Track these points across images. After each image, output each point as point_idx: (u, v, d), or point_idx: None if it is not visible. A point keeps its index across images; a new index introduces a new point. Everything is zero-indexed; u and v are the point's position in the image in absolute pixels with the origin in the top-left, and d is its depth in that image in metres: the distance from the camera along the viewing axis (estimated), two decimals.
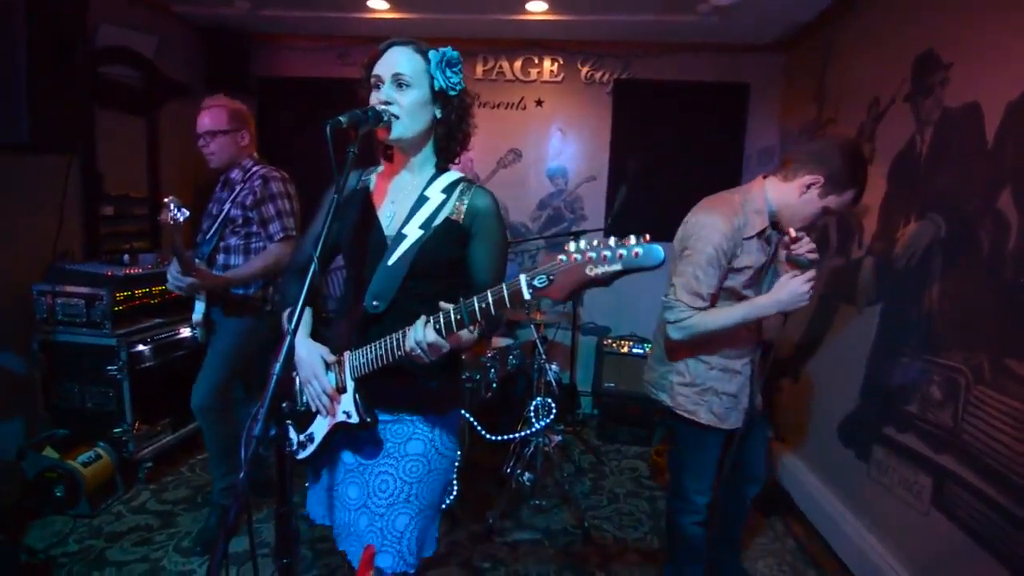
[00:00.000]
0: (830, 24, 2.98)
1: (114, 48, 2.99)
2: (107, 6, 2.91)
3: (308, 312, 1.35)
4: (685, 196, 3.88)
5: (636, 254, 0.80)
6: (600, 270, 0.81)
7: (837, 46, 2.92)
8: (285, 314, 1.34)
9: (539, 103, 3.84)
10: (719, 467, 1.83)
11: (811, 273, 1.57)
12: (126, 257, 2.90)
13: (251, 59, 3.79)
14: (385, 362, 1.15)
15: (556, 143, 3.89)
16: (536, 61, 3.79)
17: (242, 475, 0.86)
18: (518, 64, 3.80)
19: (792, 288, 1.56)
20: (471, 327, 1.03)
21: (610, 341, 3.71)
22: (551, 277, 0.84)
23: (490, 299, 0.96)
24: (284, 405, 1.02)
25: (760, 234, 1.67)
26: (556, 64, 3.79)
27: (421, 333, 1.03)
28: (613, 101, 3.78)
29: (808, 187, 1.61)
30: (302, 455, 1.31)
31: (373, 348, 1.17)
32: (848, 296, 2.58)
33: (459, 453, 1.39)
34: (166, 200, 1.86)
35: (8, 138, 2.19)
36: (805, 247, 1.58)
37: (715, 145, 3.72)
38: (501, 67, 3.81)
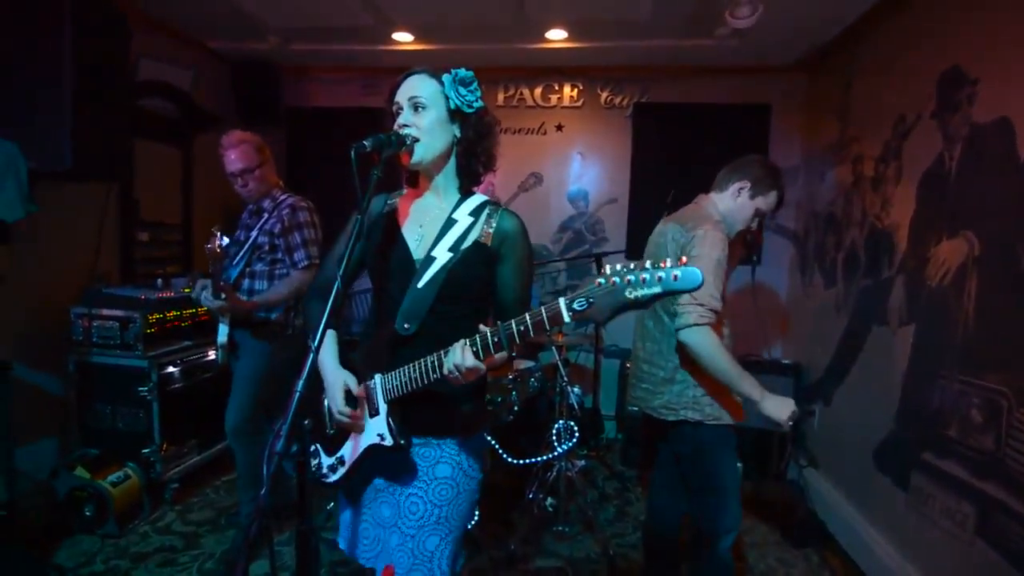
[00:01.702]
0: (853, 43, 2.97)
1: (153, 82, 3.15)
2: (147, 42, 3.08)
3: (333, 336, 1.36)
4: None
5: (675, 277, 0.82)
6: (640, 292, 0.83)
7: (860, 65, 2.91)
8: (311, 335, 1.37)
9: (559, 128, 3.89)
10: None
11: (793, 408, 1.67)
12: (159, 281, 3.00)
13: (281, 91, 3.93)
14: (419, 384, 1.16)
15: (576, 167, 3.93)
16: (556, 87, 3.86)
17: (264, 491, 0.87)
18: (538, 91, 3.87)
19: (787, 409, 1.66)
20: (508, 351, 1.04)
21: None
22: (590, 300, 0.86)
23: (529, 322, 0.97)
24: (307, 422, 1.03)
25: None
26: (576, 90, 3.85)
27: (459, 357, 1.04)
28: (633, 124, 3.82)
29: (740, 191, 1.87)
30: (332, 478, 1.31)
31: (407, 371, 1.18)
32: (880, 317, 2.51)
33: (483, 475, 1.39)
34: (213, 230, 2.04)
35: (52, 166, 2.31)
36: None
37: None
38: (522, 94, 3.89)
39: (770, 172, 1.86)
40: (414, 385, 1.16)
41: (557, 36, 3.30)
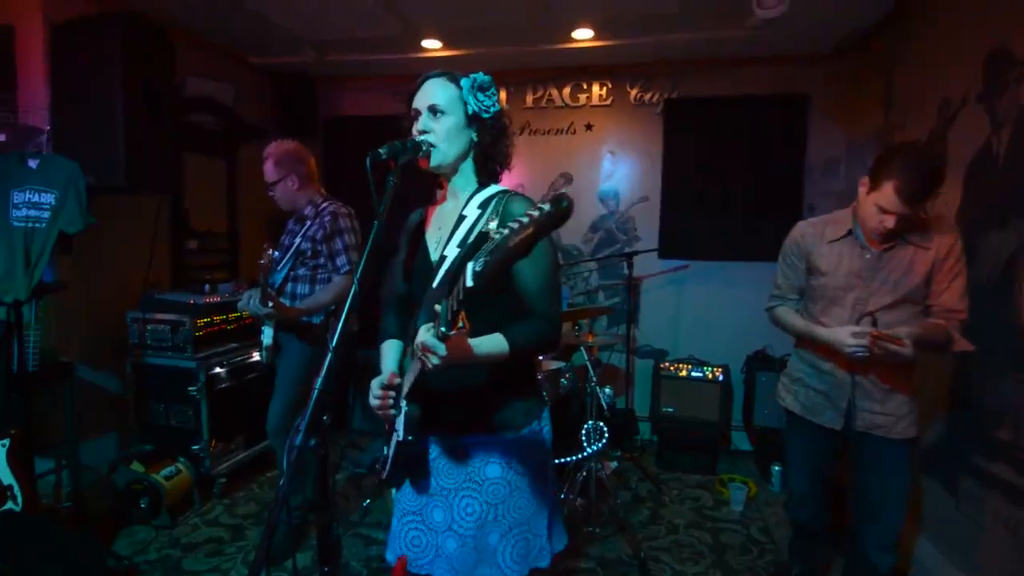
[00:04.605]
0: (894, 27, 2.84)
1: (198, 98, 3.33)
2: (192, 61, 3.26)
3: (396, 346, 1.43)
4: (742, 212, 3.79)
5: (542, 210, 0.79)
6: (519, 238, 0.81)
7: (902, 49, 2.77)
8: (382, 346, 1.43)
9: (588, 127, 3.87)
10: (820, 475, 1.95)
11: (856, 329, 1.61)
12: (207, 287, 3.16)
13: (318, 101, 4.08)
14: (416, 375, 1.18)
15: (607, 165, 3.90)
16: (584, 86, 3.84)
17: (282, 481, 0.92)
18: (567, 91, 3.86)
19: (841, 335, 1.64)
20: (447, 330, 0.98)
21: (667, 364, 3.60)
22: (486, 259, 0.84)
23: (455, 295, 0.95)
24: (325, 418, 1.07)
25: (848, 236, 1.75)
26: (605, 88, 3.82)
27: (420, 334, 1.04)
28: (664, 120, 3.75)
29: (860, 186, 1.67)
30: (384, 474, 1.35)
31: (411, 365, 1.21)
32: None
33: (543, 467, 1.36)
34: (265, 246, 2.15)
35: (108, 182, 2.49)
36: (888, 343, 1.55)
37: (773, 159, 3.59)
38: (550, 95, 3.89)
39: (887, 159, 1.57)
40: (415, 377, 1.18)
41: (584, 35, 3.29)
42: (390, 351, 1.42)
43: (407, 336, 1.41)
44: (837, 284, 1.74)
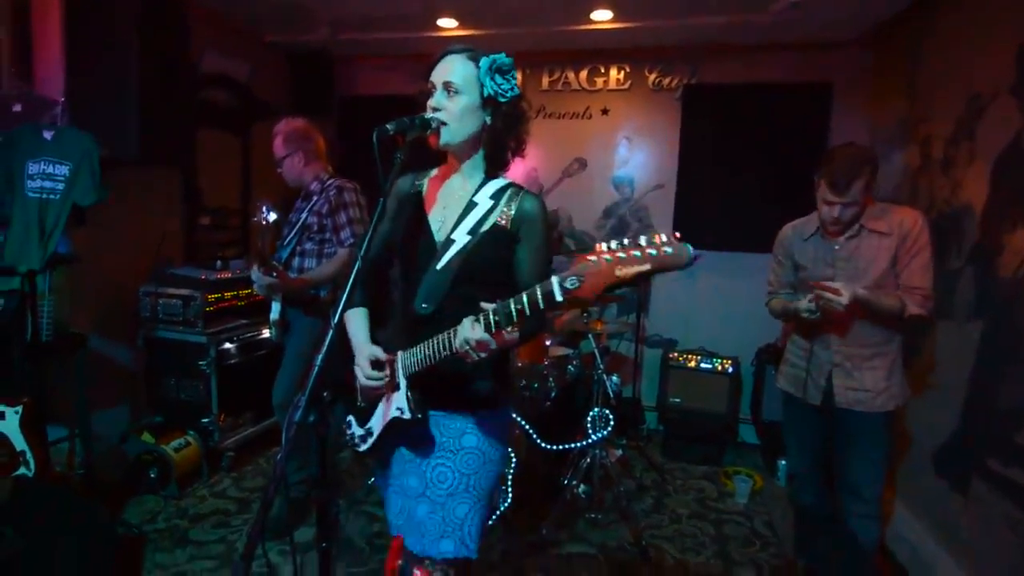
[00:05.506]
0: (922, 15, 2.74)
1: (214, 75, 3.33)
2: (208, 38, 3.24)
3: (364, 313, 1.40)
4: (761, 202, 3.72)
5: (664, 253, 0.78)
6: (629, 270, 0.80)
7: (930, 38, 2.67)
8: (348, 313, 1.41)
9: (605, 112, 3.81)
10: (818, 456, 2.01)
11: (811, 297, 1.76)
12: (219, 262, 3.18)
13: (333, 80, 4.05)
14: (435, 361, 1.19)
15: (622, 151, 3.84)
16: (602, 70, 3.77)
17: (280, 456, 0.92)
18: (584, 74, 3.80)
19: (801, 303, 1.82)
20: (509, 328, 1.05)
21: (676, 355, 3.57)
22: (581, 279, 0.84)
23: (525, 300, 0.98)
24: (326, 394, 1.07)
25: (817, 232, 1.92)
26: (622, 72, 3.75)
27: (469, 331, 1.06)
28: (682, 107, 3.68)
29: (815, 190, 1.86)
30: (363, 447, 1.38)
31: (423, 348, 1.21)
32: (945, 310, 2.32)
33: (509, 450, 1.43)
34: (259, 203, 2.09)
35: (122, 153, 2.50)
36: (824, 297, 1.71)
37: (794, 149, 3.50)
38: (567, 77, 3.82)
39: (822, 161, 1.82)
40: (429, 362, 1.19)
41: (602, 17, 3.22)
42: (358, 319, 1.38)
43: (372, 305, 1.41)
44: (816, 275, 1.87)
